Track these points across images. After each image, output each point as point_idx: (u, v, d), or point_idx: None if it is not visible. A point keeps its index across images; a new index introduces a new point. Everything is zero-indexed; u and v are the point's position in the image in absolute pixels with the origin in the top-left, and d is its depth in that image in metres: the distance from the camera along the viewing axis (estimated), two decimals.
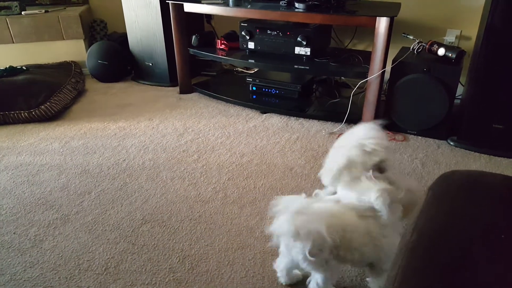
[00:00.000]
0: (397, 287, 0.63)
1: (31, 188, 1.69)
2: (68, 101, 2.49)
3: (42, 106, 2.30)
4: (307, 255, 0.94)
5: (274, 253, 1.31)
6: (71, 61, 2.97)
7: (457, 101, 2.06)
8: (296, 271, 1.20)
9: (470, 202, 0.80)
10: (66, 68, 2.83)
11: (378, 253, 1.02)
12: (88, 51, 2.89)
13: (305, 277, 1.17)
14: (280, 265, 1.17)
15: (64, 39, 2.93)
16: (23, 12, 2.86)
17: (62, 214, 1.53)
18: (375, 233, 1.00)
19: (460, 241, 0.70)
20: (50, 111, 2.32)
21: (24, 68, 2.68)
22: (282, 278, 1.20)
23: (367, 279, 1.17)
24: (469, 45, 2.27)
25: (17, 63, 2.82)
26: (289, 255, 1.06)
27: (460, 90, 2.15)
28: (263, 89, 2.52)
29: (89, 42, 3.06)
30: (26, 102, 2.30)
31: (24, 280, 1.23)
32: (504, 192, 0.83)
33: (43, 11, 2.90)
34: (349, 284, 1.21)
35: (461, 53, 1.92)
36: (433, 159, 1.87)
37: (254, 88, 2.55)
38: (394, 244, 1.01)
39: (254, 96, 2.52)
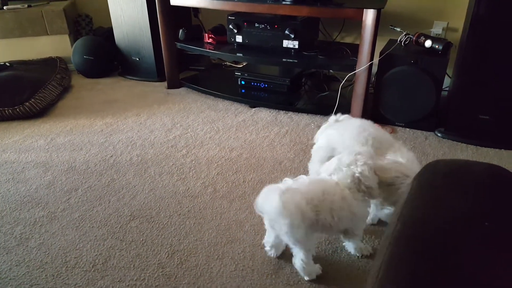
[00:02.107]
0: (382, 277, 0.63)
1: (16, 186, 1.66)
2: (53, 97, 2.45)
3: (27, 103, 2.26)
4: (290, 230, 1.04)
5: (264, 246, 1.31)
6: (56, 56, 2.92)
7: (444, 93, 2.07)
8: (283, 244, 1.25)
9: (454, 191, 0.80)
10: (51, 64, 2.78)
11: (352, 218, 1.15)
12: (73, 46, 2.84)
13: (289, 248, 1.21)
14: (269, 240, 1.24)
15: (48, 34, 2.87)
16: (4, 7, 2.80)
17: (49, 212, 1.51)
18: (349, 199, 1.13)
19: (444, 230, 0.70)
20: (35, 108, 2.28)
21: (7, 64, 2.62)
22: (271, 252, 1.26)
23: (343, 243, 1.29)
24: (455, 37, 2.29)
25: (0, 59, 2.76)
26: (273, 231, 1.15)
27: (447, 81, 2.17)
28: (252, 83, 2.51)
29: (74, 37, 3.00)
30: (10, 99, 2.25)
31: (10, 279, 1.21)
32: (488, 180, 0.84)
33: (26, 5, 2.84)
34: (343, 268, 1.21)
35: (447, 44, 1.93)
36: (421, 150, 1.89)
37: (243, 82, 2.53)
38: (364, 212, 1.20)
39: (243, 90, 2.51)
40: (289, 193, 1.04)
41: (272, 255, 1.26)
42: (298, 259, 1.14)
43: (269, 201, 1.04)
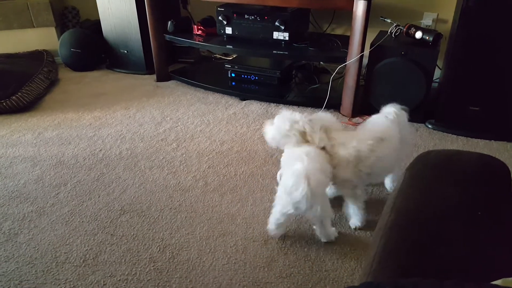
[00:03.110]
0: (376, 268, 0.63)
1: (4, 181, 1.63)
2: (40, 91, 2.40)
3: (13, 97, 2.21)
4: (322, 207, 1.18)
5: (256, 239, 1.31)
6: (43, 49, 2.86)
7: (434, 85, 2.08)
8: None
9: (445, 180, 0.81)
10: (38, 57, 2.73)
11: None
12: (60, 39, 2.78)
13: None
14: (278, 219, 1.25)
15: (34, 27, 2.81)
16: None
17: (37, 207, 1.48)
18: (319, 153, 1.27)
19: (436, 219, 0.71)
20: (22, 102, 2.23)
21: None
22: (276, 231, 1.29)
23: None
24: (445, 28, 2.29)
25: None
26: (296, 212, 1.20)
27: (437, 73, 2.18)
28: (242, 76, 2.49)
29: (61, 30, 2.94)
30: None
31: None
32: (479, 170, 0.84)
33: None
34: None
35: (438, 36, 1.93)
36: (412, 142, 1.89)
37: (233, 75, 2.51)
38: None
39: (233, 83, 2.49)
40: (312, 176, 1.12)
41: (274, 235, 1.30)
42: (322, 228, 1.26)
43: (298, 192, 1.12)
